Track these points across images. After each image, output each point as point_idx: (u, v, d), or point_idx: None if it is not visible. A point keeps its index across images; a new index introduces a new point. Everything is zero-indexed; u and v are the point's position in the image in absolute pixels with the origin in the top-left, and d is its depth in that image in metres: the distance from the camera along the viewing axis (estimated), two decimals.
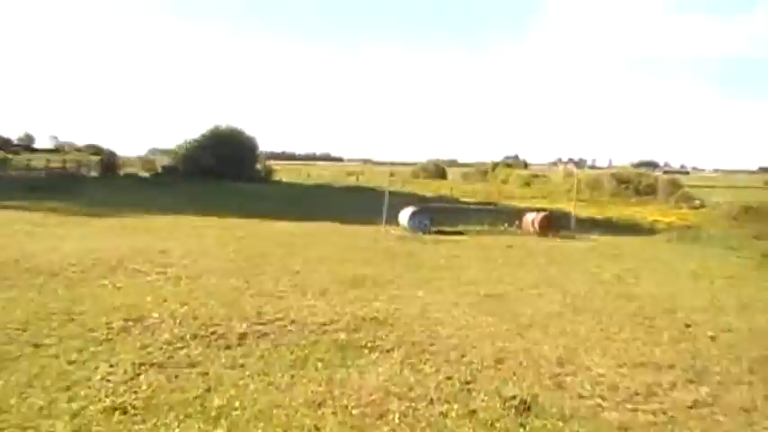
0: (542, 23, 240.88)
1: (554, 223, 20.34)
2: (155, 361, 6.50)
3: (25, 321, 7.63)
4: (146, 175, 51.93)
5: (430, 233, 18.79)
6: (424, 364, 6.80)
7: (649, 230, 24.58)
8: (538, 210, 23.11)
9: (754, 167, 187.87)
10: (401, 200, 25.26)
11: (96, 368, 6.22)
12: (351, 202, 32.02)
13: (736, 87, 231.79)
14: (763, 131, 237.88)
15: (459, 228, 20.12)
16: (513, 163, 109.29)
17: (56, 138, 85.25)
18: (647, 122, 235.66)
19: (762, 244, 17.62)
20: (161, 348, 6.90)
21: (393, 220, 19.68)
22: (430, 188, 51.42)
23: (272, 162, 68.27)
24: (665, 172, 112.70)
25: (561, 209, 28.59)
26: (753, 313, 9.92)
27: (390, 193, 21.95)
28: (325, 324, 8.15)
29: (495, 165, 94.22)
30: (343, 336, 7.65)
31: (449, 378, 6.40)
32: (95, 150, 54.94)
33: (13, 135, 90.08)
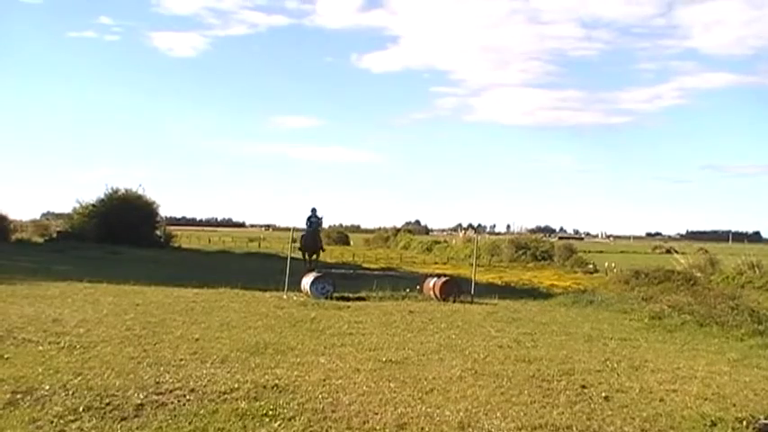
0: (444, 91, 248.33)
1: (455, 288, 20.65)
2: None
3: None
4: (39, 240, 50.01)
5: (332, 299, 18.78)
6: (327, 431, 6.77)
7: (546, 295, 25.25)
8: (439, 275, 23.47)
9: (642, 233, 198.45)
10: (304, 266, 25.29)
11: None
12: (253, 267, 31.67)
13: (622, 155, 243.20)
14: (648, 199, 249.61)
15: (362, 293, 20.19)
16: (414, 228, 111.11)
17: None
18: (542, 189, 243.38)
19: (651, 306, 18.37)
20: (51, 422, 6.60)
21: (295, 286, 19.60)
22: (333, 254, 51.39)
23: (172, 228, 66.74)
24: (561, 237, 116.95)
25: (462, 274, 29.13)
26: (643, 373, 10.32)
27: (292, 258, 21.95)
28: (225, 393, 8.00)
29: (397, 231, 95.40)
30: (243, 404, 7.53)
31: None
32: None
33: None
